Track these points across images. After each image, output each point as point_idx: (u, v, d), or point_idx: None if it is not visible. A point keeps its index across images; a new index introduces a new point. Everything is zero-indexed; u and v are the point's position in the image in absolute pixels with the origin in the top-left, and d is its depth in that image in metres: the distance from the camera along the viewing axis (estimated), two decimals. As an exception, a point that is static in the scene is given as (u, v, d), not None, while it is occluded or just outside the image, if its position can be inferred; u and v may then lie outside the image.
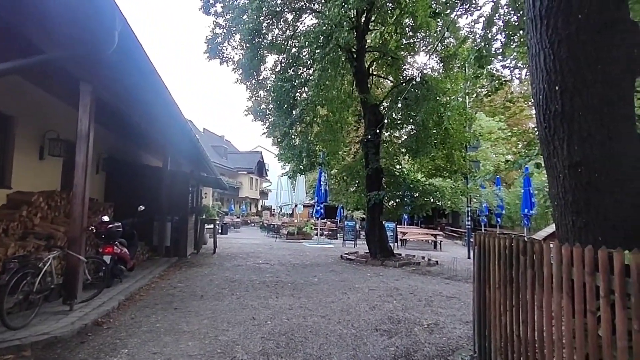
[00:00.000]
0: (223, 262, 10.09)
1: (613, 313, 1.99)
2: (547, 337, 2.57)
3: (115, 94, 5.64)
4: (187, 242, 10.49)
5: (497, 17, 6.46)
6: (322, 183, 16.74)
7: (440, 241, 18.18)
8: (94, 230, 6.09)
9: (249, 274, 8.41)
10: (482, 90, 11.64)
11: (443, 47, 12.34)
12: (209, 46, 11.63)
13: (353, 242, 16.78)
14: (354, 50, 11.80)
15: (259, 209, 42.59)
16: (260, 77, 12.91)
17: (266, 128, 13.07)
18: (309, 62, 11.85)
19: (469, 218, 15.21)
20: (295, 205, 24.93)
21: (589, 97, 2.51)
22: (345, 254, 12.15)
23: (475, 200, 18.00)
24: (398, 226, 18.12)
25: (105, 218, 6.41)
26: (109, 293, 5.60)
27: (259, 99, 13.55)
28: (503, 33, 6.48)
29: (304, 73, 12.16)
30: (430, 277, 9.00)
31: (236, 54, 12.14)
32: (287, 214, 29.18)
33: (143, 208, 7.56)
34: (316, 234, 19.29)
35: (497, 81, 7.42)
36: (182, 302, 5.69)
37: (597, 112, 2.49)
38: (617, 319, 1.95)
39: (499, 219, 21.48)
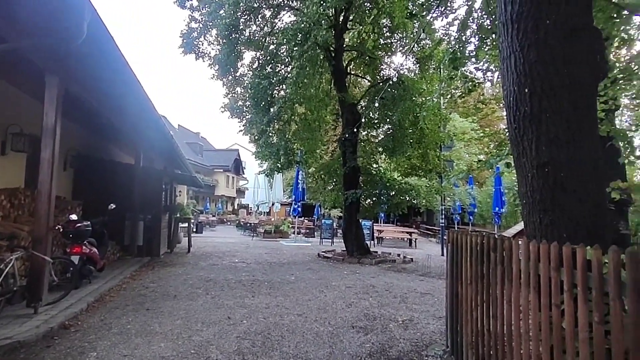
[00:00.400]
0: (198, 261, 9.90)
1: (576, 306, 2.08)
2: (516, 331, 2.67)
3: (84, 87, 5.42)
4: (160, 242, 10.22)
5: (471, 21, 6.64)
6: (299, 181, 16.69)
7: (415, 239, 18.53)
8: (61, 230, 5.82)
9: (224, 273, 8.29)
10: (456, 91, 11.98)
11: (419, 48, 12.56)
12: (185, 41, 11.34)
13: (330, 241, 16.88)
14: (332, 48, 11.82)
15: (236, 207, 42.00)
16: (237, 74, 12.72)
17: (243, 125, 12.97)
18: (286, 60, 11.81)
19: (443, 216, 15.61)
20: (273, 204, 24.79)
21: (556, 100, 2.61)
22: (323, 252, 12.18)
23: (449, 198, 18.46)
24: (374, 224, 18.36)
25: (73, 217, 6.14)
26: (77, 295, 5.38)
27: (235, 95, 13.37)
28: (476, 36, 6.67)
29: (282, 70, 12.10)
30: (406, 274, 9.17)
31: (212, 49, 11.91)
32: (264, 212, 28.90)
33: (114, 206, 7.31)
34: (293, 233, 19.24)
35: (470, 83, 7.67)
36: (154, 303, 5.54)
37: (563, 114, 2.60)
38: (579, 312, 2.04)
39: (471, 217, 22.13)
